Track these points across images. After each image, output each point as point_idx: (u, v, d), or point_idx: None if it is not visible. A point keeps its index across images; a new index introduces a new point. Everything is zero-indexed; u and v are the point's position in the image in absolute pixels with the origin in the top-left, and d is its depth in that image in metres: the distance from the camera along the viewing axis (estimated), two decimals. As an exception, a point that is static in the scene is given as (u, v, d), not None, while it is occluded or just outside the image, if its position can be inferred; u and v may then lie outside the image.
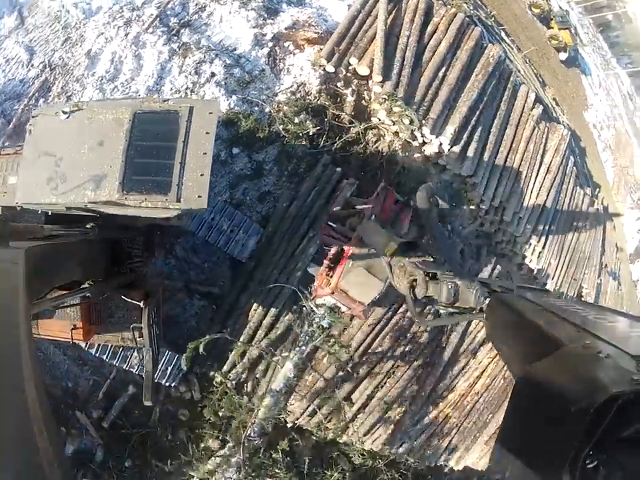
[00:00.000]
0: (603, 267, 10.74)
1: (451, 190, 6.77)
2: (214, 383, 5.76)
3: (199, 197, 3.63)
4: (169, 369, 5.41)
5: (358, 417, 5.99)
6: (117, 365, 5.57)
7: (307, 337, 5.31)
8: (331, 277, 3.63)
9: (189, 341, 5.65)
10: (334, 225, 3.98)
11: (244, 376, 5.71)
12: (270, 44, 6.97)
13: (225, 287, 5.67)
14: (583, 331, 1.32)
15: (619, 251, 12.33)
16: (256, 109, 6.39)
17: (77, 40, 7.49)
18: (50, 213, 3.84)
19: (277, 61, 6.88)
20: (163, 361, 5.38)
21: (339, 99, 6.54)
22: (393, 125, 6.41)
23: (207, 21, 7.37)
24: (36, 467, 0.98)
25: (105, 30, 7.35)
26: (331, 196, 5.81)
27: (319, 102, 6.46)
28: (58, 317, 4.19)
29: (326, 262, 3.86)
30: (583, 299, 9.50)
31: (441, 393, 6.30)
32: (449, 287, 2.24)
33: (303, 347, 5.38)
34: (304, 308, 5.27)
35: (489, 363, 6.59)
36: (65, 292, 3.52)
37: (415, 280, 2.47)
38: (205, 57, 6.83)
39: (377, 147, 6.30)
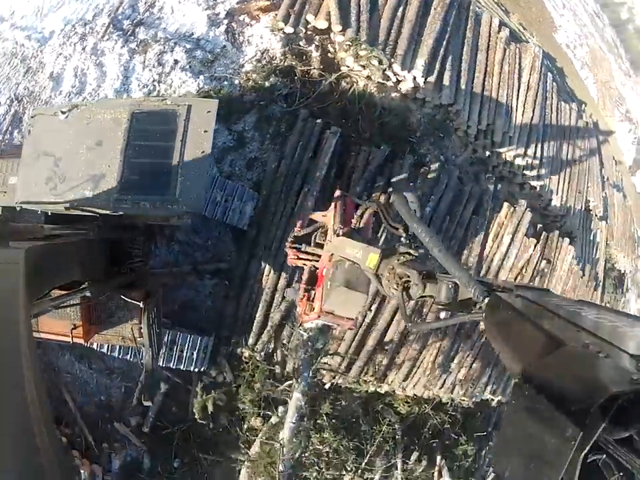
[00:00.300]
0: (605, 179, 10.60)
1: (436, 123, 6.68)
2: (243, 359, 5.66)
3: (197, 196, 3.61)
4: (194, 353, 5.30)
5: (394, 362, 5.87)
6: (142, 362, 5.46)
7: (307, 364, 5.30)
8: (312, 300, 3.52)
9: (208, 322, 5.60)
10: (299, 246, 3.80)
11: (271, 345, 5.61)
12: (225, 21, 6.93)
13: (232, 260, 5.59)
14: (582, 331, 1.31)
15: (618, 164, 12.18)
16: (225, 83, 6.35)
17: (38, 67, 7.50)
18: (50, 213, 3.83)
19: (236, 36, 6.85)
20: (187, 347, 5.29)
21: (304, 57, 6.48)
22: (363, 69, 6.33)
23: (158, 15, 7.35)
24: (36, 466, 0.97)
25: (62, 50, 7.35)
26: (317, 148, 5.74)
27: (285, 63, 6.40)
28: (58, 317, 4.17)
29: (302, 286, 3.75)
30: (590, 212, 9.37)
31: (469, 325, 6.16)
32: (449, 286, 2.17)
33: (305, 374, 5.38)
34: (294, 335, 5.25)
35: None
36: (65, 292, 3.52)
37: (407, 281, 2.36)
38: (164, 47, 6.82)
39: (352, 94, 6.22)
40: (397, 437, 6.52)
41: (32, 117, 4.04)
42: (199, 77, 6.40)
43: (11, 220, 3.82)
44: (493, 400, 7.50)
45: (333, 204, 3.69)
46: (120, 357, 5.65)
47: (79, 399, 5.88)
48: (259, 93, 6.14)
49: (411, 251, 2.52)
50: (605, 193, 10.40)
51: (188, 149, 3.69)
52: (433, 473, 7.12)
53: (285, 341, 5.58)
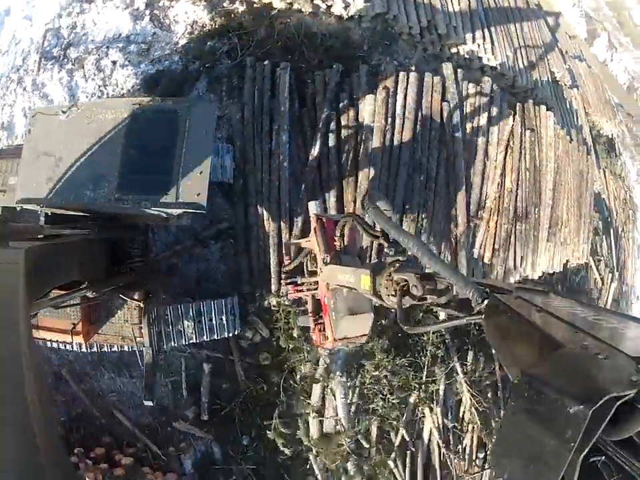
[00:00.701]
0: (564, 53, 10.57)
1: (378, 33, 6.68)
2: (272, 309, 5.60)
3: (198, 194, 3.63)
4: (223, 318, 5.21)
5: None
6: (174, 344, 5.35)
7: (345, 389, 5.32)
8: (323, 331, 3.60)
9: (228, 286, 5.54)
10: (295, 280, 3.90)
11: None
12: (147, 12, 6.97)
13: (230, 218, 5.55)
14: (581, 332, 1.33)
15: (573, 38, 12.16)
16: (166, 62, 6.38)
17: (-14, 125, 7.54)
18: (50, 213, 3.84)
19: (162, 20, 6.88)
20: (214, 314, 5.19)
21: (233, 15, 6.51)
22: (291, 5, 6.36)
23: (83, 32, 7.39)
24: (36, 466, 0.97)
25: (4, 100, 7.41)
26: (273, 88, 5.73)
27: (217, 26, 6.43)
28: (58, 317, 4.17)
29: (311, 318, 3.86)
30: (558, 83, 9.35)
31: (477, 206, 6.11)
32: (447, 286, 2.16)
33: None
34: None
35: (505, 157, 6.41)
36: (65, 292, 3.52)
37: (405, 285, 2.32)
38: (99, 55, 6.87)
39: (289, 31, 6.23)
40: (446, 340, 6.44)
41: (32, 117, 4.02)
42: (139, 67, 6.45)
43: (11, 220, 3.83)
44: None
45: (312, 229, 3.64)
46: (159, 356, 5.60)
47: (131, 414, 5.81)
48: (201, 59, 6.18)
49: (399, 257, 2.48)
50: (569, 65, 10.38)
51: (189, 150, 3.72)
52: (494, 367, 7.03)
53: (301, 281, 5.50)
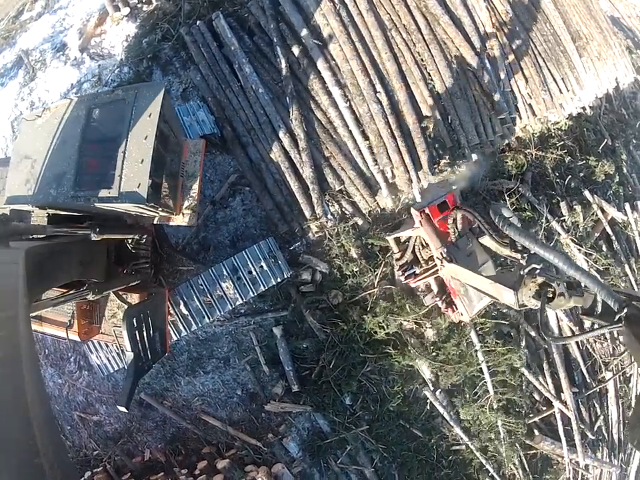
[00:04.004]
0: None
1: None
2: (318, 238, 4.89)
3: (139, 185, 3.49)
4: (263, 264, 4.55)
5: (451, 124, 4.96)
6: (221, 313, 4.71)
7: None
8: (457, 309, 3.76)
9: (265, 234, 5.00)
10: (413, 271, 3.88)
11: (328, 204, 4.84)
12: (84, 55, 7.07)
13: (235, 166, 5.09)
14: None
15: None
16: (119, 79, 6.38)
17: None
18: (50, 213, 3.81)
19: (100, 52, 7.00)
20: (251, 264, 4.57)
21: (155, 11, 6.53)
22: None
23: (41, 103, 7.68)
24: (36, 466, 0.97)
25: None
26: (217, 38, 5.47)
27: (148, 28, 6.43)
28: (58, 317, 4.13)
29: (439, 300, 4.03)
30: None
31: (479, 37, 5.26)
32: (594, 297, 2.23)
33: None
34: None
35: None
36: (65, 292, 3.46)
37: (549, 291, 2.36)
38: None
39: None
40: (528, 197, 5.36)
41: (18, 124, 4.29)
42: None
43: (18, 220, 3.74)
44: (585, 109, 6.28)
45: (417, 220, 3.53)
46: (224, 338, 5.04)
47: (222, 414, 5.18)
48: (144, 56, 6.14)
49: (535, 266, 2.47)
50: None
51: (132, 138, 3.60)
52: (594, 213, 5.78)
53: (337, 188, 4.81)
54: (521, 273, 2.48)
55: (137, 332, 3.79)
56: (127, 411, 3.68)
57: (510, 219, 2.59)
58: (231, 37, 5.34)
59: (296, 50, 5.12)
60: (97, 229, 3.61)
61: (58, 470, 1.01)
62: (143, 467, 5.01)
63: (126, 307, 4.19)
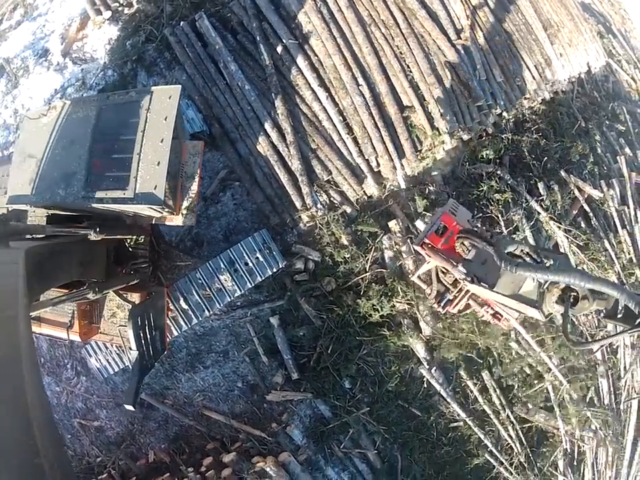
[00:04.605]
0: None
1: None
2: (309, 228, 5.04)
3: (155, 187, 3.51)
4: (258, 255, 4.66)
5: (431, 112, 5.16)
6: (221, 306, 4.80)
7: None
8: (501, 317, 3.73)
9: (257, 227, 5.12)
10: (447, 298, 3.72)
11: (317, 194, 4.99)
12: (66, 60, 7.08)
13: (224, 162, 5.20)
14: None
15: None
16: (103, 82, 6.42)
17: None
18: (49, 213, 3.83)
19: (83, 56, 7.03)
20: (247, 255, 4.68)
21: (136, 14, 6.59)
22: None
23: (24, 110, 7.65)
24: (36, 467, 0.97)
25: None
26: (200, 38, 5.58)
27: (130, 30, 6.48)
28: (57, 318, 4.12)
29: (486, 312, 3.85)
30: None
31: (455, 29, 5.48)
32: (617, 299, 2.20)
33: None
34: None
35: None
36: (65, 292, 3.47)
37: (572, 295, 2.35)
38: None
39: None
40: (507, 180, 5.60)
41: (21, 122, 4.16)
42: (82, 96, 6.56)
43: (17, 220, 3.75)
44: (557, 94, 6.58)
45: (423, 253, 3.41)
46: (222, 331, 5.13)
47: (224, 408, 5.27)
48: (128, 58, 6.19)
49: (554, 281, 2.36)
50: None
51: (147, 139, 3.62)
52: (571, 192, 6.05)
53: (325, 178, 4.97)
54: (541, 290, 2.49)
55: (140, 331, 3.85)
56: (134, 409, 3.73)
57: (517, 257, 2.56)
58: (215, 36, 5.45)
59: (279, 48, 5.27)
60: (97, 229, 3.64)
61: (58, 470, 1.02)
62: (148, 469, 5.02)
63: (125, 306, 4.28)
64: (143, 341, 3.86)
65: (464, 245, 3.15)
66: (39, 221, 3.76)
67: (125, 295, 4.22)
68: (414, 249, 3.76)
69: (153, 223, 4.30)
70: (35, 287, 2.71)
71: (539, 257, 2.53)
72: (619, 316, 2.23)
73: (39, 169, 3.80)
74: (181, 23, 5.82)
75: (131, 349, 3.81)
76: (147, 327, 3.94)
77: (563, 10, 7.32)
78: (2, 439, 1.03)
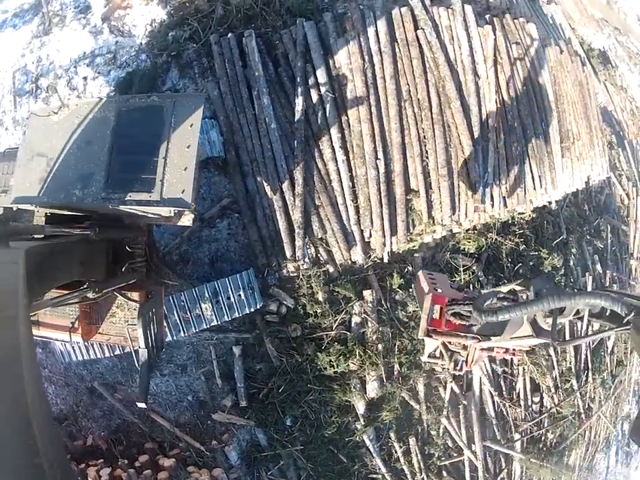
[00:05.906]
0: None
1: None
2: (291, 276, 5.33)
3: (183, 191, 3.54)
4: (241, 293, 4.97)
5: (432, 201, 5.48)
6: (196, 330, 5.07)
7: None
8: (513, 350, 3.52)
9: (242, 262, 5.34)
10: (461, 360, 3.65)
11: (307, 247, 5.26)
12: (104, 26, 6.99)
13: (230, 192, 5.36)
14: None
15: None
16: (134, 64, 6.34)
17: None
18: (49, 213, 3.82)
19: (121, 28, 6.89)
20: (231, 291, 4.93)
21: (187, 3, 6.47)
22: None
23: (49, 62, 7.48)
24: (36, 466, 0.97)
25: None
26: (243, 57, 5.60)
27: (175, 18, 6.39)
28: (58, 316, 4.12)
29: (505, 355, 3.59)
30: (535, 0, 8.98)
31: (480, 127, 5.76)
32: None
33: None
34: None
35: (496, 73, 6.06)
36: (65, 292, 3.45)
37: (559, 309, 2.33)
38: (68, 76, 6.90)
39: (245, 3, 6.11)
40: (479, 277, 6.04)
41: (27, 119, 4.07)
42: (109, 75, 6.47)
43: (12, 220, 3.76)
44: (550, 203, 7.03)
45: (436, 342, 3.39)
46: (186, 347, 5.40)
47: (169, 415, 5.59)
48: (167, 50, 6.13)
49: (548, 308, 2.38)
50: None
51: (173, 145, 3.65)
52: (501, 283, 6.57)
53: (319, 236, 5.24)
54: (537, 319, 2.49)
55: (148, 329, 3.91)
56: (146, 407, 3.84)
57: (491, 308, 2.58)
58: (258, 61, 5.46)
59: (314, 95, 5.39)
60: (97, 229, 3.69)
61: (58, 469, 1.02)
62: (84, 452, 5.28)
63: (125, 306, 4.31)
64: (149, 339, 3.94)
65: (457, 314, 3.21)
66: (39, 221, 3.79)
67: (126, 295, 4.22)
68: (423, 340, 3.89)
69: (150, 223, 4.39)
70: (35, 287, 2.72)
71: (515, 295, 2.64)
72: (606, 314, 2.26)
73: (51, 169, 3.75)
74: (229, 34, 5.79)
75: (139, 347, 3.85)
76: (152, 325, 4.03)
77: (584, 122, 7.69)
78: (2, 439, 1.04)
